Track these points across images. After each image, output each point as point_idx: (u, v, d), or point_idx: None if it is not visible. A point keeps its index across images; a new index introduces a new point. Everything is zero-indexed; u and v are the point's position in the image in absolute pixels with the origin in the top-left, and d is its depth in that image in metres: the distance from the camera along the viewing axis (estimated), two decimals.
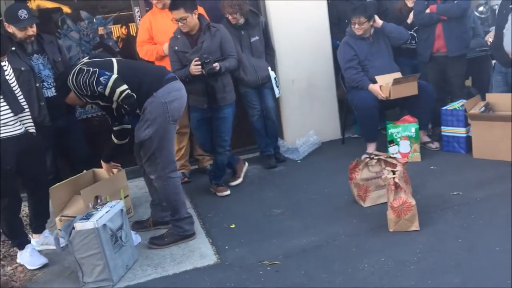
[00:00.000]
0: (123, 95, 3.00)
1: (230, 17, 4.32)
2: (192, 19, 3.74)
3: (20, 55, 3.56)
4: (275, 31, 4.80)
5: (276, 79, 4.55)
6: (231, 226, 3.45)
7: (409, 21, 4.66)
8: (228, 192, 4.07)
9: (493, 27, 4.53)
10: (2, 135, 2.99)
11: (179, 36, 3.86)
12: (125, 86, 3.00)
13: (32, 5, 4.61)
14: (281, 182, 4.18)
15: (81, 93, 3.06)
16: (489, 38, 4.57)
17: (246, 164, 4.44)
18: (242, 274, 2.82)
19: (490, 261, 2.59)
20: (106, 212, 2.90)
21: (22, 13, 3.51)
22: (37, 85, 3.57)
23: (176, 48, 3.84)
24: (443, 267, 2.61)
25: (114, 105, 3.12)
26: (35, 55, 3.68)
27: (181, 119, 4.06)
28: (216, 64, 3.70)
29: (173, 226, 3.31)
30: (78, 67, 3.05)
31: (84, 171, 3.80)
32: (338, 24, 4.99)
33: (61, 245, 2.95)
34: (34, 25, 3.61)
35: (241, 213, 3.68)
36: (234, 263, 2.97)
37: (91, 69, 2.98)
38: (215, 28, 3.84)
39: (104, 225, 2.82)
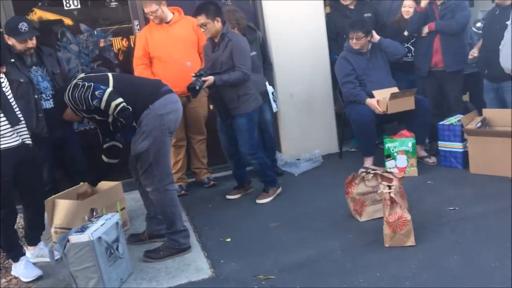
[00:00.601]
0: (119, 108, 3.01)
1: None
2: (213, 26, 3.77)
3: (19, 67, 3.59)
4: (273, 45, 4.83)
5: (274, 93, 4.57)
6: (227, 240, 3.44)
7: (406, 33, 4.69)
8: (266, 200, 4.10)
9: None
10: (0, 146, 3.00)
11: (207, 43, 3.97)
12: (120, 99, 3.01)
13: (33, 17, 4.64)
14: (278, 196, 4.18)
15: (77, 108, 3.08)
16: (473, 53, 4.56)
17: (252, 189, 4.38)
18: None
19: (486, 278, 2.58)
20: (102, 225, 2.89)
21: (23, 26, 3.55)
22: (36, 96, 3.59)
23: (204, 52, 3.99)
24: (439, 283, 2.60)
25: (110, 119, 3.13)
26: (34, 67, 3.71)
27: (178, 132, 4.10)
28: (205, 78, 3.69)
29: (169, 239, 3.29)
30: (73, 82, 3.08)
31: (81, 183, 3.80)
32: (336, 39, 5.03)
33: (56, 258, 2.94)
34: (34, 38, 3.63)
35: (237, 227, 3.67)
36: (229, 277, 2.95)
37: (86, 83, 3.01)
38: (228, 39, 3.83)
39: (99, 237, 2.81)
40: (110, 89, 3.03)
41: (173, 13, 4.32)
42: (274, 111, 4.63)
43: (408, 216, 3.01)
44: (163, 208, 3.24)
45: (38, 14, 4.73)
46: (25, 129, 3.19)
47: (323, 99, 5.09)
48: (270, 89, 4.50)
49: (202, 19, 3.75)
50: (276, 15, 4.83)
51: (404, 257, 2.89)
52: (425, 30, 4.49)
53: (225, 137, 4.10)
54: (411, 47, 4.76)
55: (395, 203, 3.01)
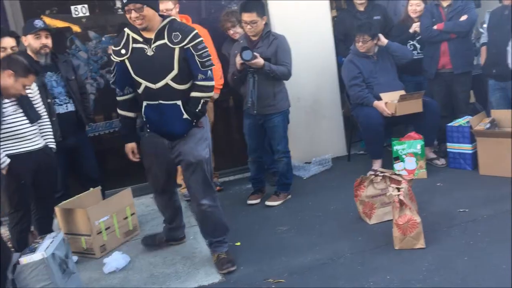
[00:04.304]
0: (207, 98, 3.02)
1: (231, 32, 4.39)
2: (261, 24, 3.84)
3: None
4: None
5: None
6: (237, 244, 3.45)
7: (411, 30, 4.70)
8: (276, 203, 4.10)
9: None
10: (20, 150, 3.07)
11: (241, 41, 3.97)
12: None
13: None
14: (287, 200, 4.18)
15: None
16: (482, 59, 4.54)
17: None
18: None
19: (496, 279, 2.57)
20: (51, 243, 2.83)
21: (38, 22, 3.66)
22: (49, 100, 3.63)
23: (236, 52, 3.90)
24: (449, 285, 2.59)
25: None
26: (48, 72, 3.76)
27: None
28: (256, 54, 3.68)
29: (226, 244, 3.22)
30: None
31: (91, 189, 3.83)
32: (344, 40, 5.03)
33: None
34: (49, 37, 3.70)
35: (247, 231, 3.67)
36: (239, 281, 2.96)
37: None
38: (274, 37, 3.91)
39: (53, 254, 2.75)
40: None
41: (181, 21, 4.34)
42: None
43: (417, 219, 3.00)
44: (217, 220, 3.15)
45: (47, 22, 4.75)
46: (50, 131, 3.27)
47: (330, 102, 5.10)
48: None
49: (252, 16, 3.78)
50: (283, 18, 4.84)
51: (414, 260, 2.89)
52: (434, 28, 4.47)
53: (254, 140, 4.11)
54: (416, 45, 4.76)
55: (405, 206, 3.00)
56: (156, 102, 2.97)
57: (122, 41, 2.98)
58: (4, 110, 3.04)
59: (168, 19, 2.93)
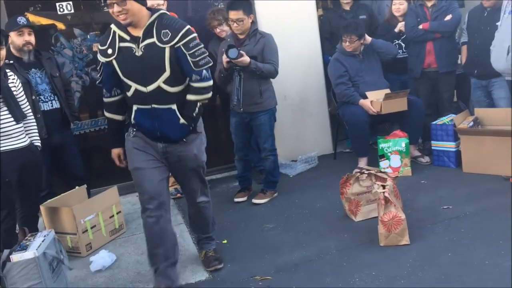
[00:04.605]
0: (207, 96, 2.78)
1: (218, 31, 4.39)
2: (247, 22, 3.85)
3: (17, 68, 3.61)
4: None
5: None
6: (223, 242, 3.46)
7: (396, 30, 4.75)
8: (262, 201, 4.11)
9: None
10: (3, 147, 3.03)
11: (228, 40, 3.97)
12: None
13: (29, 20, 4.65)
14: (273, 197, 4.20)
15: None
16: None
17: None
18: None
19: (480, 275, 2.61)
20: (42, 241, 2.80)
21: (21, 19, 3.66)
22: (33, 97, 3.60)
23: (223, 50, 3.88)
24: (434, 281, 2.62)
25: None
26: (33, 69, 3.74)
27: None
28: (244, 54, 3.68)
29: (212, 241, 3.21)
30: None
31: (77, 187, 3.81)
32: (330, 39, 5.06)
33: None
34: (32, 34, 3.69)
35: (233, 229, 3.68)
36: (226, 278, 2.97)
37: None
38: (261, 35, 3.92)
39: (44, 253, 2.72)
40: None
41: None
42: None
43: (402, 215, 3.04)
44: (209, 215, 3.13)
45: (31, 18, 4.71)
46: (35, 128, 3.23)
47: (317, 100, 5.13)
48: None
49: (239, 14, 3.78)
50: (269, 17, 4.85)
51: (399, 256, 2.92)
52: (420, 27, 4.52)
53: (240, 139, 4.11)
54: (402, 44, 4.81)
55: (390, 203, 3.04)
56: (149, 107, 2.69)
57: (108, 39, 2.67)
58: None
59: (156, 14, 2.62)
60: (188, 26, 2.63)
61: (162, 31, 2.58)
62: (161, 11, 2.67)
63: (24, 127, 3.21)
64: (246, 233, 3.59)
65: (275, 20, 4.85)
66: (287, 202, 4.07)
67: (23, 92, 3.26)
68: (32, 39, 3.69)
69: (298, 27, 4.94)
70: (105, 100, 2.86)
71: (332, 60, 4.58)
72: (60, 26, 4.77)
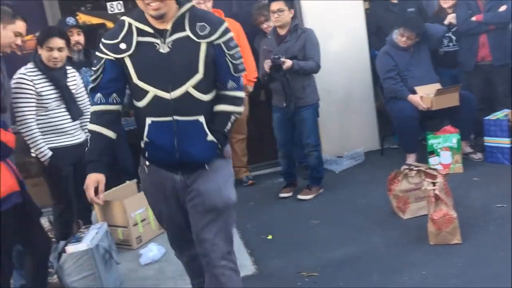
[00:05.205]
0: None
1: (264, 26, 4.41)
2: (288, 15, 3.87)
3: None
4: None
5: None
6: (269, 237, 3.48)
7: (446, 22, 4.60)
8: (308, 197, 4.10)
9: None
10: (60, 144, 3.19)
11: (269, 36, 4.02)
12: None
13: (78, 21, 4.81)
14: (319, 193, 4.18)
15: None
16: None
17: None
18: (281, 285, 2.84)
19: None
20: (96, 233, 2.92)
21: (70, 20, 3.79)
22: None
23: (265, 47, 3.97)
24: (485, 281, 2.55)
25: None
26: (83, 68, 3.87)
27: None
28: (284, 59, 3.72)
29: None
30: None
31: (127, 181, 3.92)
32: (376, 33, 4.97)
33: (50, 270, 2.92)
34: (81, 34, 3.82)
35: (279, 224, 3.70)
36: (272, 273, 2.99)
37: None
38: (302, 30, 3.93)
39: (97, 245, 2.84)
40: None
41: None
42: None
43: (453, 214, 2.96)
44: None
45: (82, 18, 4.90)
46: None
47: (363, 95, 5.05)
48: None
49: (279, 4, 3.81)
50: (315, 11, 4.81)
51: (450, 255, 2.85)
52: (473, 19, 4.37)
53: (283, 135, 4.12)
54: (452, 36, 4.65)
55: (440, 200, 2.96)
56: (169, 119, 2.07)
57: (121, 33, 2.08)
58: (47, 104, 3.16)
59: (188, 5, 2.09)
60: (227, 23, 2.15)
61: (198, 23, 2.06)
62: (191, 3, 2.16)
63: (81, 124, 3.34)
64: (291, 228, 3.59)
65: (321, 15, 4.80)
66: (333, 198, 4.04)
67: (84, 91, 3.38)
68: (81, 38, 3.81)
69: (344, 21, 4.88)
70: (96, 108, 2.20)
71: (381, 53, 4.49)
72: (111, 25, 4.91)
